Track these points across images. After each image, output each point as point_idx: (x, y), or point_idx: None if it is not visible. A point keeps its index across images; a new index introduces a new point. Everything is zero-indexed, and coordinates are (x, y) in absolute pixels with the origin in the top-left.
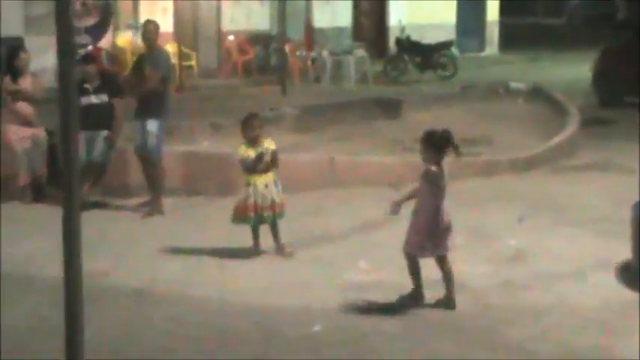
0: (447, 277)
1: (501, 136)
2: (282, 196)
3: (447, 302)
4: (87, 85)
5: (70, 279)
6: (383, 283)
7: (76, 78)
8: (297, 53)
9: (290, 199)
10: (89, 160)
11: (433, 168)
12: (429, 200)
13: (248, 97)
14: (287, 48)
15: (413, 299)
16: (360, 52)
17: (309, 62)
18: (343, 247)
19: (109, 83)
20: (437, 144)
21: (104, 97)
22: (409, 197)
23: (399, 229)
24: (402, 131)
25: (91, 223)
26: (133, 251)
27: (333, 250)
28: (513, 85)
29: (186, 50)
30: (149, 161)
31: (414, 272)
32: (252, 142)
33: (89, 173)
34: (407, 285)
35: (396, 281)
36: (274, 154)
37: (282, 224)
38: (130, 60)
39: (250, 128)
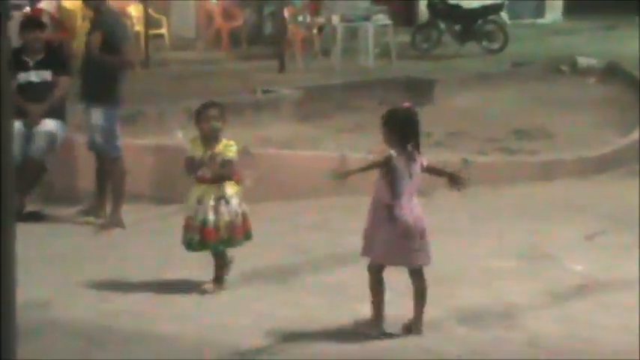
0: (418, 297)
1: (565, 129)
2: (239, 220)
3: (413, 327)
4: (25, 58)
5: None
6: (404, 315)
7: (9, 48)
8: (299, 19)
9: (287, 208)
10: (26, 157)
11: (393, 154)
12: (385, 195)
13: (234, 75)
14: (286, 12)
15: (373, 327)
16: (382, 19)
17: (314, 31)
18: (355, 269)
19: (53, 56)
20: (400, 125)
21: (47, 75)
22: (365, 170)
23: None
24: (433, 121)
25: (27, 238)
26: (81, 276)
27: (342, 274)
28: (582, 61)
29: (154, 14)
30: (102, 160)
31: (375, 290)
32: (207, 138)
33: (25, 174)
34: (436, 318)
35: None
36: (227, 165)
37: (277, 239)
38: (80, 28)
39: (205, 120)
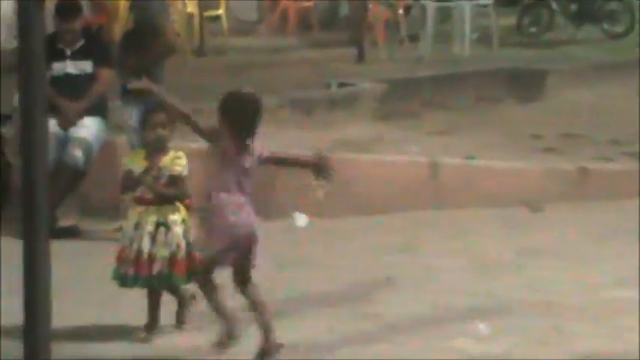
0: (257, 311)
1: None
2: (182, 253)
3: (266, 351)
4: (61, 46)
5: (32, 347)
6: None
7: (45, 35)
8: None
9: (367, 224)
10: (59, 163)
11: (223, 142)
12: (213, 182)
13: (304, 65)
14: None
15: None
16: None
17: (399, 12)
18: (447, 296)
19: (93, 44)
20: (233, 111)
21: (86, 66)
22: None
23: (533, 274)
24: (543, 121)
25: (62, 259)
26: (119, 304)
27: (433, 304)
28: None
29: None
30: None
31: (209, 296)
32: (151, 149)
33: (58, 182)
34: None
35: (533, 355)
36: (174, 182)
37: (354, 262)
38: (124, 10)
39: (150, 127)
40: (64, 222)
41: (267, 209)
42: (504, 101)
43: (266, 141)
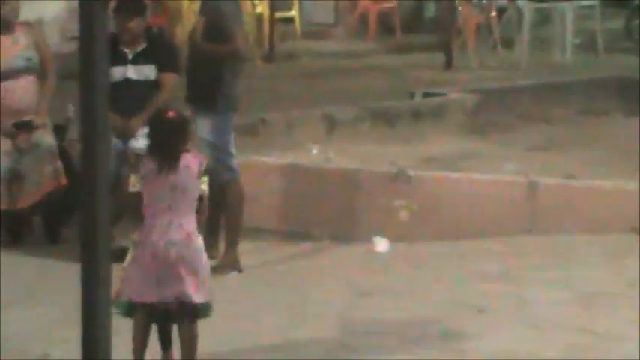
0: (185, 348)
1: None
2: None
3: None
4: (122, 49)
5: None
6: None
7: (107, 37)
8: None
9: (455, 249)
10: (118, 178)
11: (145, 161)
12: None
13: (385, 73)
14: None
15: None
16: None
17: (492, 14)
18: (548, 332)
19: (156, 47)
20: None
21: (149, 71)
22: None
23: None
24: None
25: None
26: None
27: (529, 339)
28: None
29: None
30: (212, 186)
31: (136, 337)
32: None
33: (117, 199)
34: None
35: None
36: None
37: (440, 291)
38: (187, 10)
39: None
40: (123, 241)
41: (345, 232)
42: (610, 114)
43: (343, 156)
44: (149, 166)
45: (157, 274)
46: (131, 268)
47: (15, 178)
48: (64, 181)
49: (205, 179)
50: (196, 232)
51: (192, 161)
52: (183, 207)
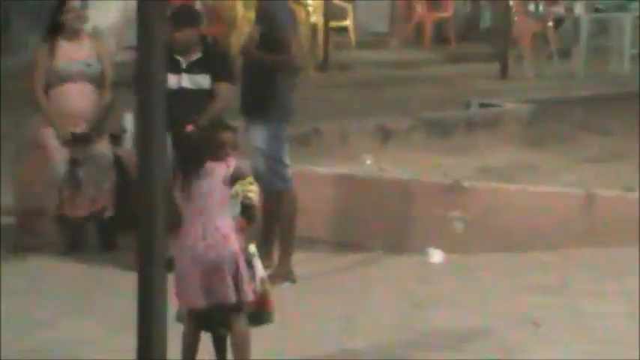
0: (236, 356)
1: None
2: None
3: None
4: (179, 58)
5: None
6: None
7: (165, 46)
8: (530, 8)
9: (511, 261)
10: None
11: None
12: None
13: (440, 83)
14: (510, 0)
15: None
16: None
17: (549, 24)
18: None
19: (211, 56)
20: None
21: (203, 80)
22: None
23: None
24: None
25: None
26: None
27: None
28: None
29: (338, 1)
30: (266, 196)
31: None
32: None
33: (171, 209)
34: None
35: None
36: (251, 207)
37: (496, 304)
38: (242, 19)
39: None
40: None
41: (399, 243)
42: None
43: (397, 166)
44: (178, 174)
45: (199, 278)
46: (175, 275)
47: (72, 186)
48: (114, 198)
49: (255, 188)
50: (234, 235)
51: (217, 166)
52: (214, 210)
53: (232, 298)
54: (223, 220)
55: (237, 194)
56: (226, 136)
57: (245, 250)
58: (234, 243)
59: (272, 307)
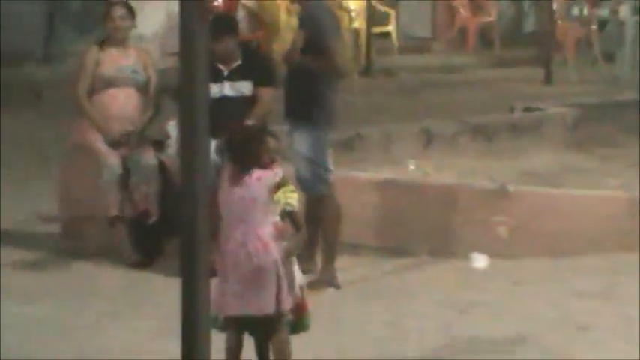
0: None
1: None
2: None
3: None
4: (220, 66)
5: None
6: None
7: (206, 52)
8: (574, 12)
9: (556, 266)
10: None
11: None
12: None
13: (484, 87)
14: (555, 3)
15: None
16: None
17: (592, 27)
18: None
19: (252, 62)
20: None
21: (245, 87)
22: None
23: None
24: None
25: None
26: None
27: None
28: None
29: (380, 7)
30: (308, 201)
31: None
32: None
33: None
34: None
35: None
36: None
37: (542, 309)
38: (284, 24)
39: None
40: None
41: (443, 248)
42: None
43: (441, 171)
44: (222, 177)
45: (238, 285)
46: (216, 281)
47: (123, 190)
48: (154, 206)
49: (294, 195)
50: (274, 243)
51: (263, 174)
52: (257, 217)
53: (271, 306)
54: (265, 228)
55: (278, 201)
56: (269, 142)
57: (285, 257)
58: (275, 251)
59: (308, 314)
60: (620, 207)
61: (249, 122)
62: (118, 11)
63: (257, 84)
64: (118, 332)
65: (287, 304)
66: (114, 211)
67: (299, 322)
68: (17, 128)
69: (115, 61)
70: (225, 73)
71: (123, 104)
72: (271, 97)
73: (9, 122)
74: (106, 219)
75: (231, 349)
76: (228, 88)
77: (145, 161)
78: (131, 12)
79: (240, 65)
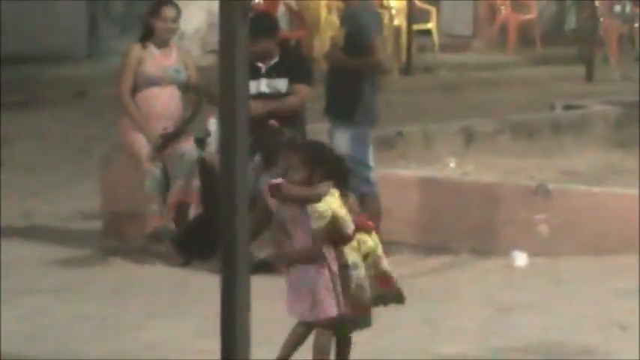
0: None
1: None
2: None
3: None
4: (258, 64)
5: None
6: None
7: (246, 52)
8: (616, 9)
9: (599, 265)
10: (255, 191)
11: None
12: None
13: (525, 85)
14: (597, 1)
15: None
16: None
17: (635, 25)
18: None
19: (289, 59)
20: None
21: (281, 84)
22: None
23: None
24: None
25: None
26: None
27: None
28: None
29: (420, 4)
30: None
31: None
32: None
33: (254, 213)
34: None
35: None
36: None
37: (584, 308)
38: (325, 22)
39: None
40: (261, 255)
41: (484, 246)
42: None
43: (482, 169)
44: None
45: (293, 292)
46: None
47: (164, 193)
48: (192, 199)
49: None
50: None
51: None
52: (291, 227)
53: (313, 313)
54: (301, 238)
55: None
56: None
57: (340, 262)
58: (315, 260)
59: (369, 311)
60: None
61: (278, 108)
62: (170, 12)
63: (293, 81)
64: (160, 331)
65: (331, 310)
66: (152, 224)
67: (361, 319)
68: (61, 126)
69: (157, 60)
70: (263, 70)
71: (165, 103)
72: (306, 94)
73: (53, 120)
74: (144, 234)
75: (292, 341)
76: (264, 86)
77: (184, 153)
78: (179, 13)
79: (277, 63)
